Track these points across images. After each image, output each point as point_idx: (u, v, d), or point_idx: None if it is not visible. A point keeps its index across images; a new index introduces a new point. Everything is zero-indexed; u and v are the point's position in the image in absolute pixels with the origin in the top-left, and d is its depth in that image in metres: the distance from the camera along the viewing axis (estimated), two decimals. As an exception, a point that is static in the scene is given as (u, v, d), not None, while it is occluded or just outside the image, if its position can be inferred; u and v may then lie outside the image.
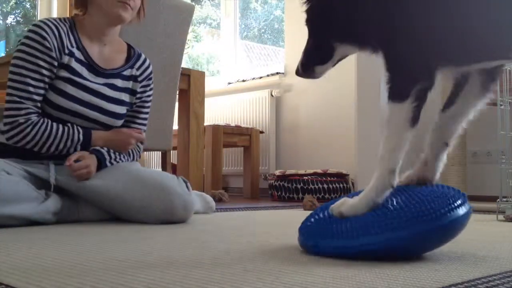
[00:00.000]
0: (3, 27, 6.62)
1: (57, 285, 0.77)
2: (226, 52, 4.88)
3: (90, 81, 1.79)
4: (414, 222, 0.99)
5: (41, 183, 1.70)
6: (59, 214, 1.66)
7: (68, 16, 5.50)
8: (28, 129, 1.68)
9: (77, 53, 1.77)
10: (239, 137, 3.91)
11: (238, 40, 4.93)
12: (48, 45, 1.70)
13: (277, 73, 4.25)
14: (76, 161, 1.71)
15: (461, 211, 1.02)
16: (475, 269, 0.95)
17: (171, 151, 3.28)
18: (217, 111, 4.53)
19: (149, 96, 1.97)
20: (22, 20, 6.87)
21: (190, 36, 5.41)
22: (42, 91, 1.71)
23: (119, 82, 1.87)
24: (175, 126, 2.81)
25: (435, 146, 1.19)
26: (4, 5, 6.67)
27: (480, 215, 2.25)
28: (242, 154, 4.10)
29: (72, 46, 1.77)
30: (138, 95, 1.93)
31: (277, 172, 3.66)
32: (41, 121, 1.71)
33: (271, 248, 1.20)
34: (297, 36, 4.13)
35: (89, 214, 1.76)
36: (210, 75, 5.28)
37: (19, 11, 6.96)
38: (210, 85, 4.48)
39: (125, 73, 1.89)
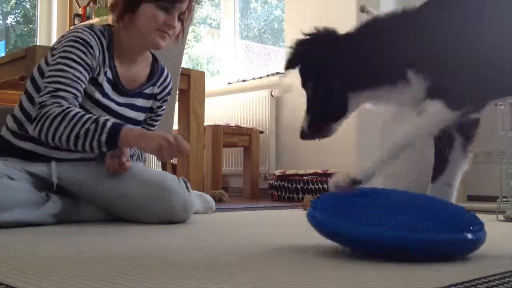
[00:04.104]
0: (3, 27, 6.62)
1: (57, 285, 0.77)
2: (226, 52, 4.88)
3: (113, 101, 1.74)
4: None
5: (42, 183, 1.69)
6: (59, 216, 1.66)
7: (68, 17, 5.56)
8: (56, 112, 1.53)
9: (109, 73, 1.73)
10: (239, 137, 3.90)
11: (238, 40, 4.93)
12: (93, 52, 1.65)
13: (277, 73, 4.25)
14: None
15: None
16: (475, 269, 0.95)
17: (171, 151, 3.27)
18: (217, 111, 4.52)
19: (163, 110, 1.96)
20: (22, 20, 6.87)
21: (190, 36, 5.41)
22: (82, 87, 1.63)
23: (139, 102, 1.83)
24: (175, 126, 2.81)
25: None
26: (4, 5, 6.67)
27: (480, 215, 2.24)
28: (242, 154, 4.10)
29: (109, 66, 1.72)
30: (154, 110, 1.92)
31: (277, 172, 3.65)
32: (71, 108, 1.56)
33: (271, 248, 1.20)
34: (297, 36, 4.13)
35: (90, 214, 1.76)
36: (210, 75, 5.27)
37: (19, 11, 6.97)
38: (210, 85, 4.47)
39: (146, 91, 1.84)
